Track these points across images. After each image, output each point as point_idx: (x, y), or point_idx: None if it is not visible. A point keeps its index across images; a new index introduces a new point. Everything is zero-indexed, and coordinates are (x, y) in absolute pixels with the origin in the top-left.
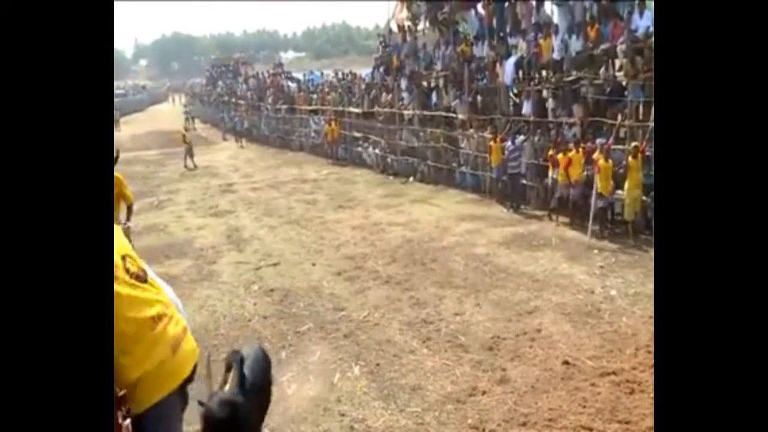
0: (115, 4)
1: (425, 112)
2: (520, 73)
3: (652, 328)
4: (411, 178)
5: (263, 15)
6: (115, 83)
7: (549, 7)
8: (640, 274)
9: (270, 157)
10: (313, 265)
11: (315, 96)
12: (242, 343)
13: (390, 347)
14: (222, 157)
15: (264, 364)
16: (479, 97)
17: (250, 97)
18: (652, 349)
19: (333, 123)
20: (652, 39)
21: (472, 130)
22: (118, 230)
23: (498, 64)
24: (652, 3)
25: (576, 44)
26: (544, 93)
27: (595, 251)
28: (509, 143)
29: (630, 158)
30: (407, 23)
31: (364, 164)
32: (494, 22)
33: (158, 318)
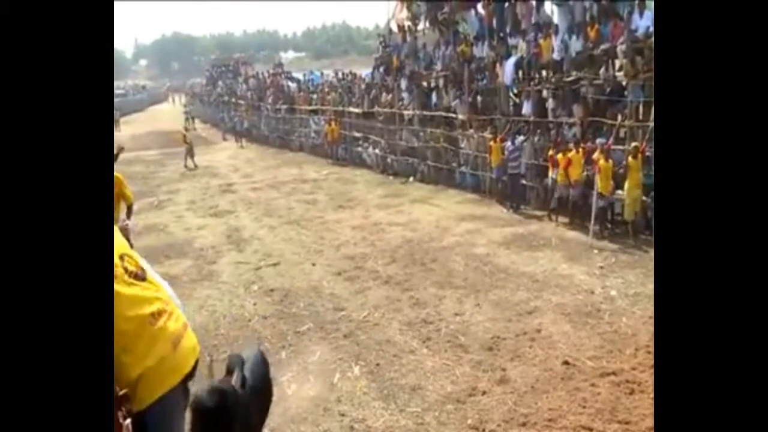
0: (115, 4)
1: (425, 113)
2: (520, 73)
3: (652, 328)
4: (411, 178)
5: (263, 15)
6: (115, 83)
7: (549, 7)
8: (640, 274)
9: (270, 157)
10: (313, 265)
11: (315, 96)
12: (242, 344)
13: (390, 347)
14: (222, 157)
15: (264, 366)
16: (479, 98)
17: (250, 97)
18: (652, 349)
19: (333, 123)
20: (652, 39)
21: (472, 131)
22: (115, 230)
23: (498, 65)
24: (652, 3)
25: (576, 44)
26: (544, 93)
27: (595, 251)
28: (509, 143)
29: (630, 158)
30: (407, 23)
31: (364, 164)
32: (494, 22)
33: (158, 314)
